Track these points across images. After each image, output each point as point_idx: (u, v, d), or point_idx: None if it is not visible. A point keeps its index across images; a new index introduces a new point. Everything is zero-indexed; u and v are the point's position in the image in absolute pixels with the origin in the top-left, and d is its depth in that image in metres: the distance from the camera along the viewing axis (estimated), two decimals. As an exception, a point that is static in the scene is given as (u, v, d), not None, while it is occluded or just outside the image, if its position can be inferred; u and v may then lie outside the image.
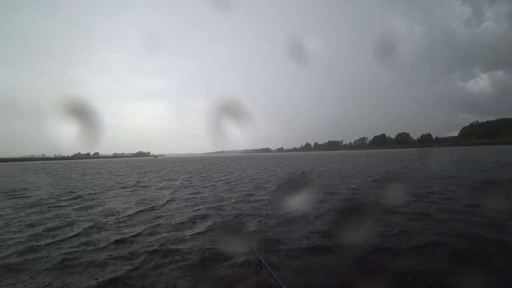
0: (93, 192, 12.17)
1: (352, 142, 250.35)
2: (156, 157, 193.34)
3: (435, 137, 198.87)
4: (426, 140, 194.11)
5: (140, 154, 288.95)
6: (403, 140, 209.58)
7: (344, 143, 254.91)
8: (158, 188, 13.16)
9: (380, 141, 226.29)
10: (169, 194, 11.02)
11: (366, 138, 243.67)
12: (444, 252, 4.55)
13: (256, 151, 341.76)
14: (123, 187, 13.96)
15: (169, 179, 18.00)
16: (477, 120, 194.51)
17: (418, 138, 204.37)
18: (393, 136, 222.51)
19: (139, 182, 16.43)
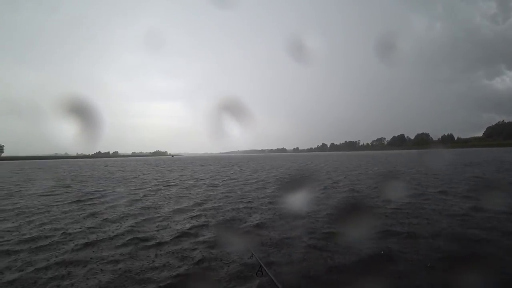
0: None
1: (369, 142, 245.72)
2: (172, 156, 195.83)
3: (457, 138, 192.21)
4: (448, 141, 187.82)
5: (157, 153, 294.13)
6: (422, 140, 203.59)
7: (361, 143, 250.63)
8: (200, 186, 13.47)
9: (399, 141, 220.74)
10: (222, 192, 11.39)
11: (384, 138, 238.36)
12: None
13: (271, 151, 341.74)
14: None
15: (203, 178, 18.44)
16: (503, 120, 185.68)
17: (438, 139, 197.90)
18: (412, 137, 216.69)
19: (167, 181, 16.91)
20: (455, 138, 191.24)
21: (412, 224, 6.10)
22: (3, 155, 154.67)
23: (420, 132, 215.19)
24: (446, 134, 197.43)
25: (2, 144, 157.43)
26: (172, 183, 15.06)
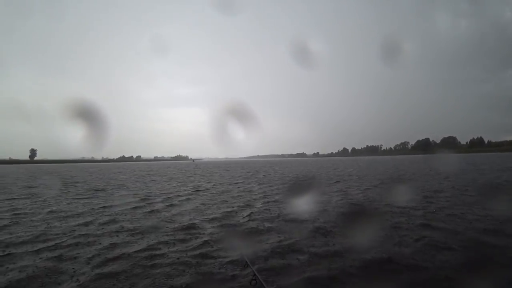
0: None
1: (392, 147, 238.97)
2: (193, 160, 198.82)
3: (488, 141, 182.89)
4: (477, 145, 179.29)
5: (178, 158, 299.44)
6: (449, 144, 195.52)
7: (383, 148, 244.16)
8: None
9: (424, 146, 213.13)
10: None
11: (408, 142, 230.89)
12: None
13: (291, 155, 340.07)
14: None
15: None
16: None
17: (467, 143, 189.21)
18: (437, 140, 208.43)
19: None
20: (486, 142, 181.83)
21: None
22: (35, 158, 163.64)
23: (446, 136, 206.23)
24: (475, 137, 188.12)
25: (35, 149, 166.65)
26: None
